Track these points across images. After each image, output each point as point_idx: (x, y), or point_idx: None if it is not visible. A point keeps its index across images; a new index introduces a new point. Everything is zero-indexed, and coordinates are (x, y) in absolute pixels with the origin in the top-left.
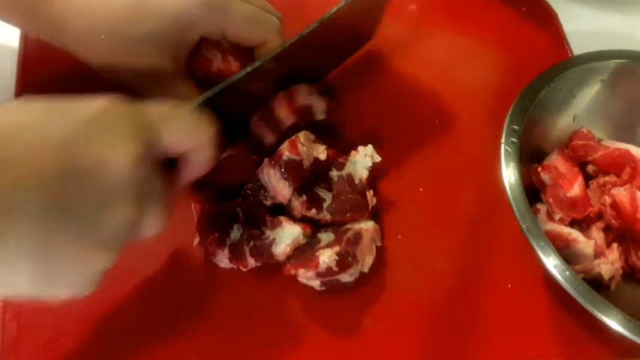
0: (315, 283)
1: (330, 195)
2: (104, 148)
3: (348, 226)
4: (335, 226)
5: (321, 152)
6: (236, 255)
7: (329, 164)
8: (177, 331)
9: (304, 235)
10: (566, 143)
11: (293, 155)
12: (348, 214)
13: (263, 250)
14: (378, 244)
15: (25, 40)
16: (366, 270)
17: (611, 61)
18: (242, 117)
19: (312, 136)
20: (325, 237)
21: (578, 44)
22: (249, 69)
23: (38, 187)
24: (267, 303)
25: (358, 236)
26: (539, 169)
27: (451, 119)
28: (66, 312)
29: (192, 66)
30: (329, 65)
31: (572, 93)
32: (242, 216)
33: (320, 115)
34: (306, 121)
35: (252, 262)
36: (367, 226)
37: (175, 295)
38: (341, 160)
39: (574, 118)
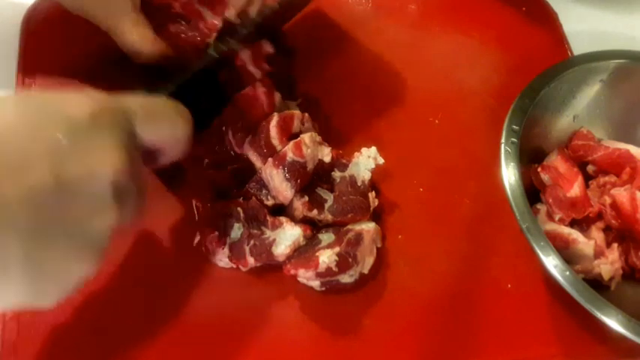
0: (315, 284)
1: (332, 196)
2: (92, 158)
3: (349, 226)
4: (336, 226)
5: (326, 154)
6: (236, 254)
7: (332, 165)
8: (176, 330)
9: (305, 236)
10: (566, 143)
11: (297, 157)
12: (350, 215)
13: (263, 250)
14: (379, 245)
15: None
16: (366, 271)
17: (611, 61)
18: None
19: (319, 138)
20: (326, 237)
21: (578, 44)
22: (212, 53)
23: (26, 203)
24: (266, 303)
25: (359, 237)
26: (539, 169)
27: (451, 119)
28: (66, 312)
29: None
30: (283, 21)
31: (572, 93)
32: (243, 215)
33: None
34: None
35: (251, 262)
36: (368, 227)
37: (175, 294)
38: (344, 161)
39: (574, 118)
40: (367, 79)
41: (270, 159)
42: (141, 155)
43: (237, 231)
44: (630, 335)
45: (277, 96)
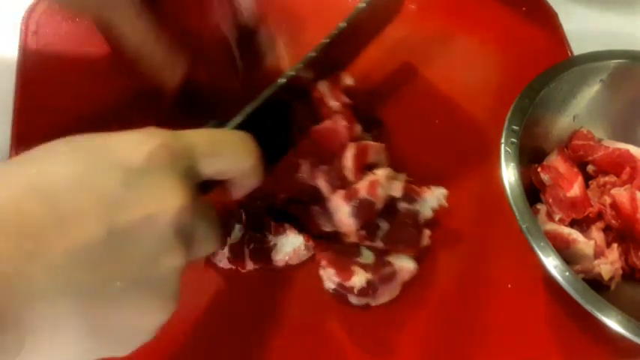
0: (330, 285)
1: (388, 224)
2: (150, 201)
3: (391, 258)
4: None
5: (397, 190)
6: (235, 255)
7: (400, 198)
8: (175, 328)
9: (307, 245)
10: (566, 143)
11: (369, 196)
12: (400, 246)
13: (262, 254)
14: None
15: (23, 54)
16: (374, 304)
17: (611, 61)
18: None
19: (392, 173)
20: (366, 254)
21: (578, 44)
22: (281, 81)
23: (76, 260)
24: (266, 304)
25: (392, 276)
26: (539, 169)
27: (451, 119)
28: None
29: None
30: (355, 50)
31: (572, 93)
32: (245, 217)
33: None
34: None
35: (250, 265)
36: (408, 267)
37: None
38: (413, 195)
39: (574, 118)
40: (365, 79)
41: (340, 191)
42: (211, 189)
43: (237, 232)
44: (630, 335)
45: (358, 128)
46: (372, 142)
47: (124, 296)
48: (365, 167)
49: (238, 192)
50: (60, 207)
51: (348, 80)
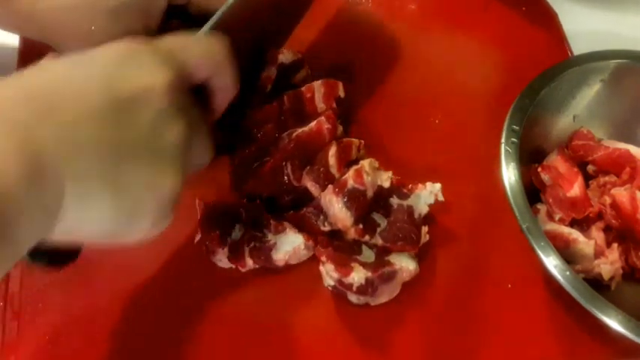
0: (329, 281)
1: (386, 221)
2: (141, 78)
3: (392, 257)
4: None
5: (385, 180)
6: (235, 254)
7: (390, 190)
8: (175, 328)
9: (307, 245)
10: (566, 143)
11: (357, 185)
12: (399, 243)
13: (262, 253)
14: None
15: (24, 44)
16: (373, 304)
17: (611, 61)
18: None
19: (377, 163)
20: (367, 253)
21: (578, 44)
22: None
23: (95, 123)
24: (265, 304)
25: (392, 276)
26: (539, 169)
27: (451, 119)
28: (66, 311)
29: None
30: (285, 26)
31: (572, 93)
32: (245, 216)
33: None
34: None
35: (250, 263)
36: (408, 268)
37: (174, 292)
38: (405, 190)
39: (574, 118)
40: (366, 79)
41: (330, 186)
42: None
43: (237, 231)
44: (630, 335)
45: (339, 130)
46: (352, 139)
47: (137, 154)
48: (348, 163)
49: (220, 98)
50: (65, 80)
51: (341, 91)
